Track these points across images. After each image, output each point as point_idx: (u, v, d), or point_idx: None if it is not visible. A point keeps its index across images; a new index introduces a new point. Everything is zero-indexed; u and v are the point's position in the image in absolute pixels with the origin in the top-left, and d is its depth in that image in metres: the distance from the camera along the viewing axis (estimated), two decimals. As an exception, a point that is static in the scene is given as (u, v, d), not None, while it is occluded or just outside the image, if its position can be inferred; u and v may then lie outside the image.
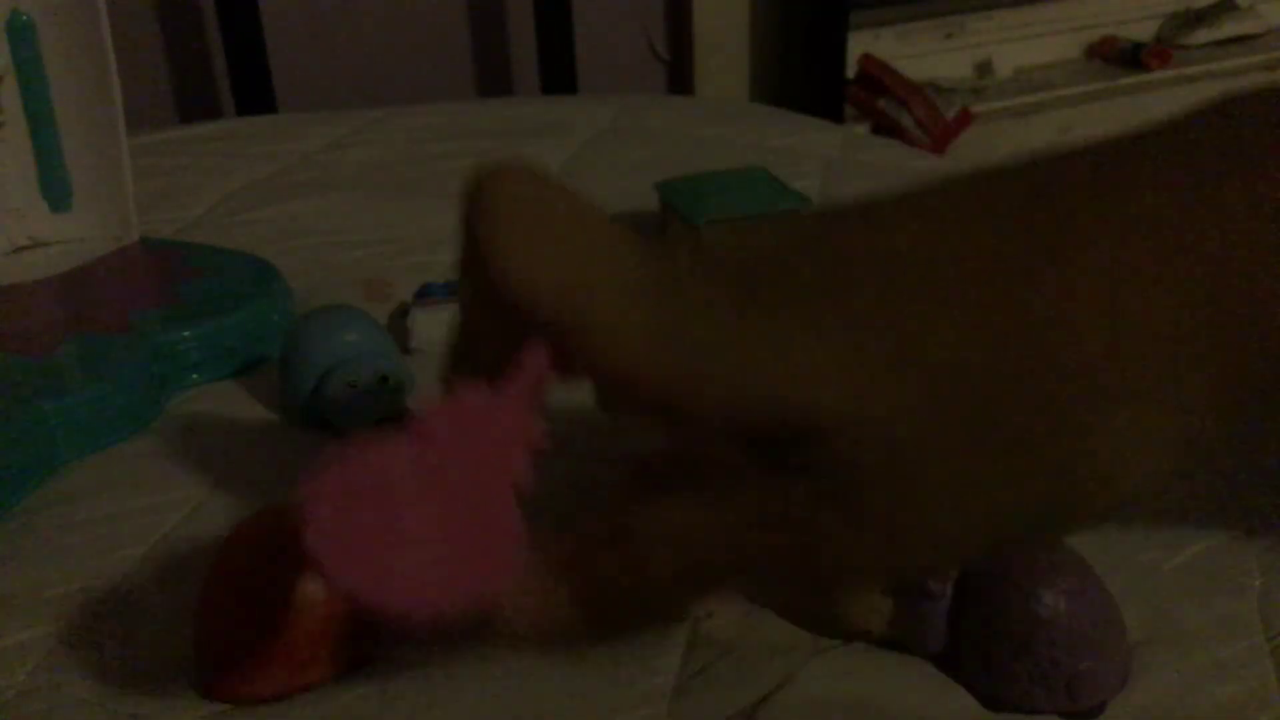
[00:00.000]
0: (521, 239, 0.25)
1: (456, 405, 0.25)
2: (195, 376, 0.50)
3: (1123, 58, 1.70)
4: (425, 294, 0.54)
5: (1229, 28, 1.75)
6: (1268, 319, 0.21)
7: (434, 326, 0.52)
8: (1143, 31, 1.79)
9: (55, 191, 0.59)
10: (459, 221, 0.26)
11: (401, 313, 0.55)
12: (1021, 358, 0.21)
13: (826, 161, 0.80)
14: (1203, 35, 1.74)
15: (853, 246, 0.23)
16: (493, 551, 0.24)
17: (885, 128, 1.53)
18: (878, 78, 1.57)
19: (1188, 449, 0.22)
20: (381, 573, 0.23)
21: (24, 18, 0.56)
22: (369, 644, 0.33)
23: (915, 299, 0.22)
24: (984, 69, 1.71)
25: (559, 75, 1.28)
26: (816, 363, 0.22)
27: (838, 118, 1.40)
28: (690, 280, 0.24)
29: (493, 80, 1.43)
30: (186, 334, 0.50)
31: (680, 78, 1.52)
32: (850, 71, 1.55)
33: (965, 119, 1.55)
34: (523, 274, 0.24)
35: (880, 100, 1.55)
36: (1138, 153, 0.22)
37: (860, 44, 1.60)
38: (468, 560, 0.24)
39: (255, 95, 1.17)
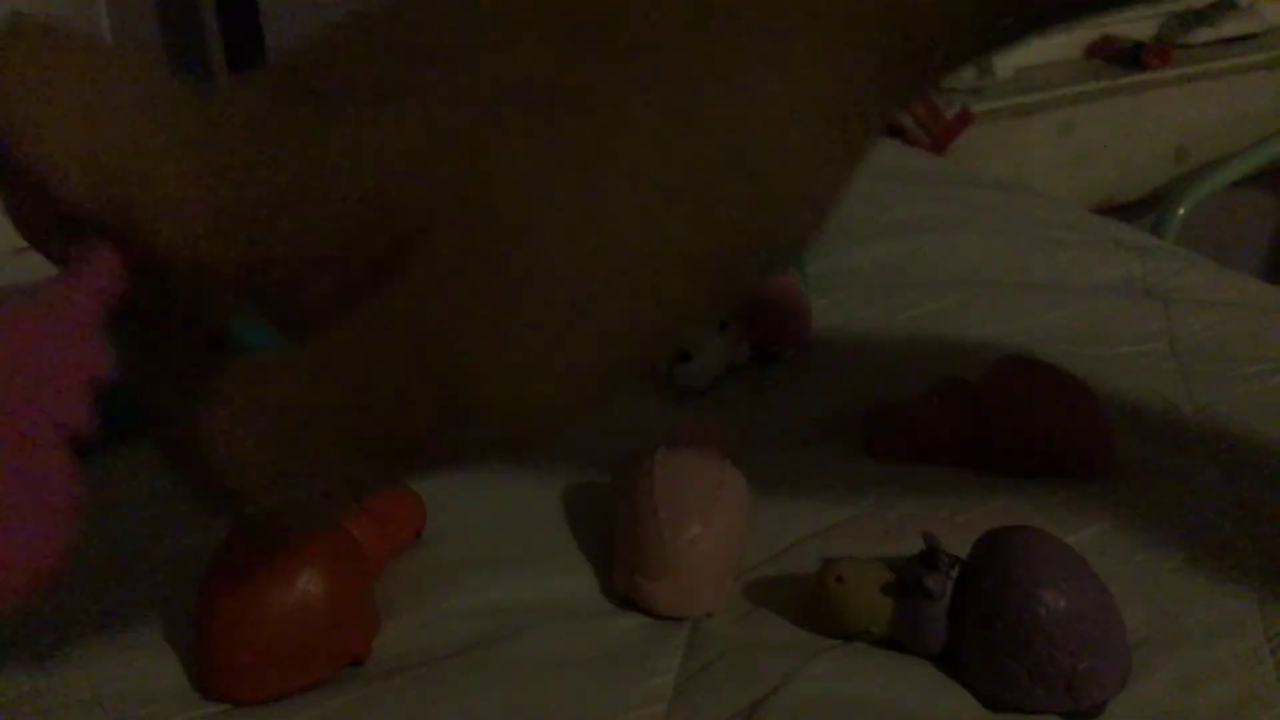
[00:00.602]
0: (40, 109, 0.21)
1: None
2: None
3: (1123, 57, 1.70)
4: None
5: (1229, 27, 1.75)
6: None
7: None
8: (1143, 31, 1.79)
9: (55, 191, 0.59)
10: None
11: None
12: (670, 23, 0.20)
13: (826, 161, 0.79)
14: (1203, 34, 1.73)
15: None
16: (38, 521, 0.19)
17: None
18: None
19: (848, 121, 0.22)
20: None
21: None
22: (367, 641, 0.33)
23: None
24: (984, 68, 1.71)
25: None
26: (398, 153, 0.20)
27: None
28: (240, 108, 0.21)
29: (493, 80, 1.43)
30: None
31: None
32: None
33: (965, 118, 1.55)
34: (44, 152, 0.21)
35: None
36: None
37: (860, 43, 1.59)
38: (6, 540, 0.19)
39: (255, 95, 1.17)
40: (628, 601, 0.35)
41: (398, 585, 0.36)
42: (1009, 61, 1.73)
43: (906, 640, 0.32)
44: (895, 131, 1.51)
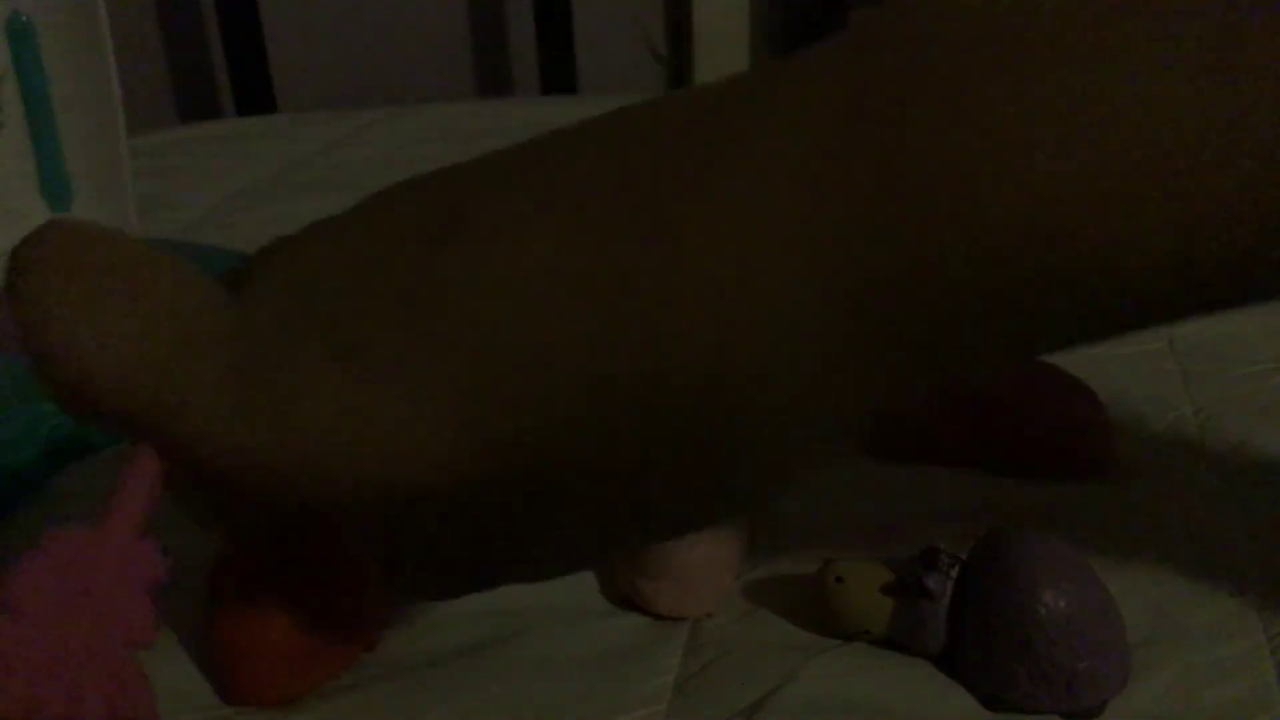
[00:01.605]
0: (70, 315, 0.21)
1: (44, 559, 0.20)
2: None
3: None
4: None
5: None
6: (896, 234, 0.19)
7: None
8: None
9: (55, 191, 0.59)
10: (10, 303, 0.22)
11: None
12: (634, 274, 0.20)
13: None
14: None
15: (447, 267, 0.21)
16: None
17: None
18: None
19: (825, 359, 0.21)
20: None
21: (24, 18, 0.56)
22: (372, 639, 0.33)
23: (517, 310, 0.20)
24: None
25: (559, 75, 1.28)
26: (394, 426, 0.21)
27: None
28: (258, 331, 0.21)
29: (493, 80, 1.43)
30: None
31: (680, 78, 1.52)
32: (850, 71, 1.55)
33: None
34: (80, 358, 0.21)
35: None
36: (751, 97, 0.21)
37: (860, 44, 1.59)
38: None
39: (255, 95, 1.17)
40: (628, 601, 0.35)
41: (398, 585, 0.36)
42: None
43: (906, 640, 0.32)
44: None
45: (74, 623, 0.20)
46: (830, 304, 0.20)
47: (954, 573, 0.32)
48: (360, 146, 0.84)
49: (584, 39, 1.33)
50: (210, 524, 0.26)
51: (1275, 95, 0.17)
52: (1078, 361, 0.43)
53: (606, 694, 0.32)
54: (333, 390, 0.21)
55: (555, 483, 0.22)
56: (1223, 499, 0.40)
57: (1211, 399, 0.46)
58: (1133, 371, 0.49)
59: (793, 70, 0.21)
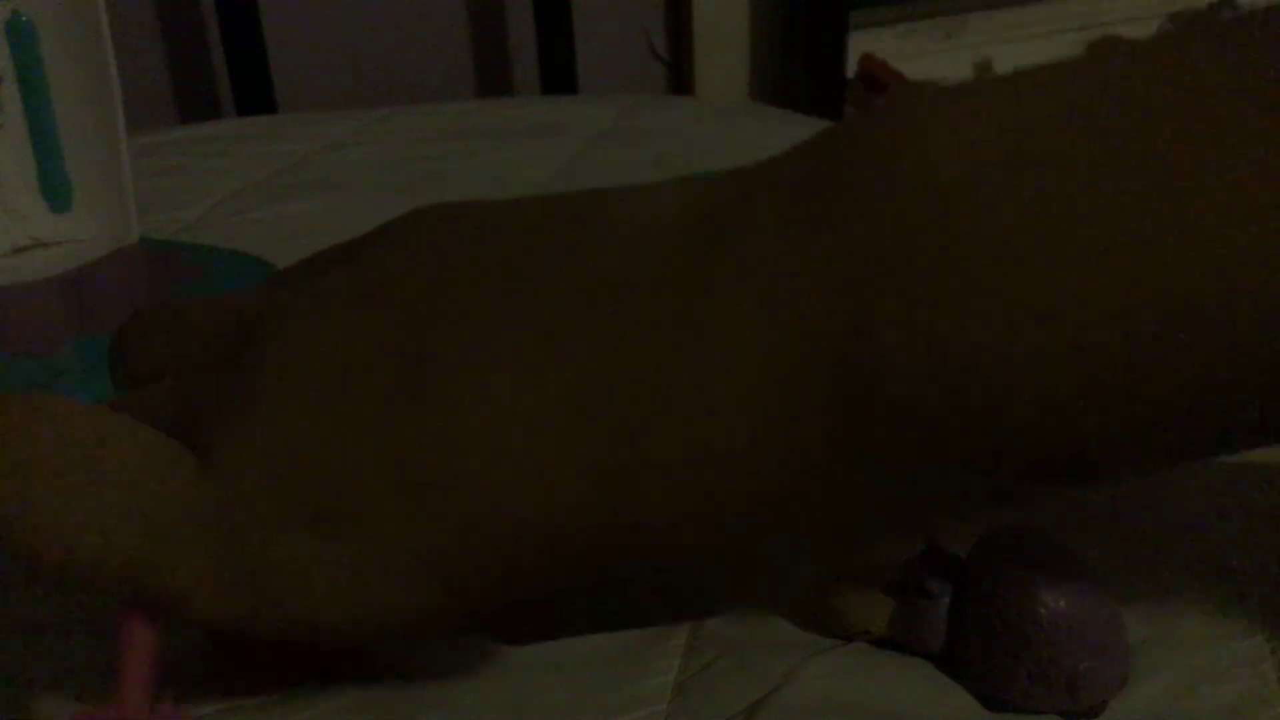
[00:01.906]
0: (46, 498, 0.20)
1: None
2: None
3: (1123, 57, 1.70)
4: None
5: (1229, 27, 1.75)
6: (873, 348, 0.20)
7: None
8: (1143, 31, 1.79)
9: (55, 192, 0.59)
10: None
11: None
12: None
13: (826, 161, 0.79)
14: (1203, 35, 1.73)
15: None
16: None
17: (885, 127, 1.53)
18: (878, 77, 1.57)
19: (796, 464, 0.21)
20: None
21: (24, 19, 0.56)
22: None
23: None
24: (984, 69, 1.71)
25: (559, 75, 1.28)
26: (373, 589, 0.22)
27: (838, 117, 1.40)
28: (233, 494, 0.22)
29: (493, 80, 1.43)
30: (186, 334, 0.50)
31: (680, 78, 1.52)
32: (850, 71, 1.55)
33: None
34: (60, 543, 0.21)
35: (880, 99, 1.55)
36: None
37: (860, 43, 1.60)
38: None
39: (255, 95, 1.17)
40: (628, 601, 0.35)
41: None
42: (1009, 61, 1.73)
43: (906, 640, 0.32)
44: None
45: None
46: (806, 446, 0.20)
47: (954, 573, 0.32)
48: (360, 146, 0.84)
49: (584, 39, 1.33)
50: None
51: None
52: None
53: (606, 694, 0.32)
54: (310, 557, 0.21)
55: (536, 617, 0.23)
56: (1223, 499, 0.40)
57: (1211, 399, 0.46)
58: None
59: (754, 216, 0.21)
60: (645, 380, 0.21)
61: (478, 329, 0.22)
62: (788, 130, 0.87)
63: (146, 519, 0.21)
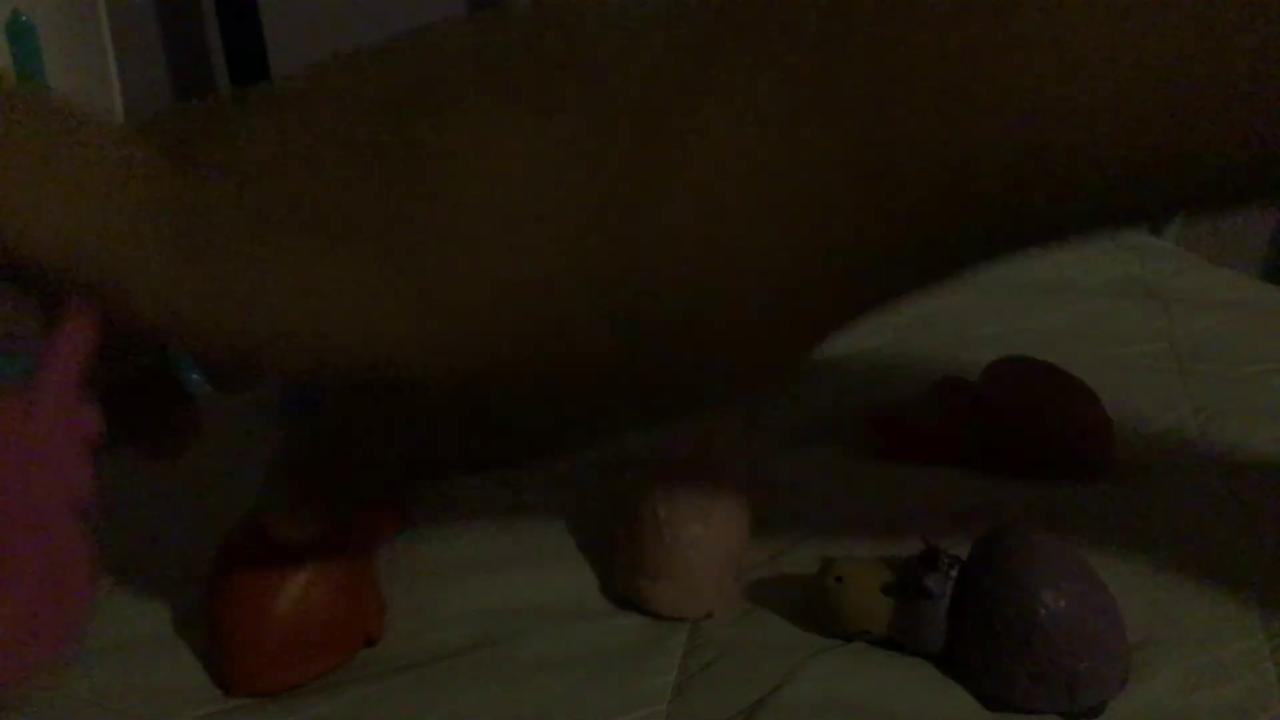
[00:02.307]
0: (9, 179, 0.20)
1: None
2: (195, 376, 0.50)
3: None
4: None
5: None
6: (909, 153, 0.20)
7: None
8: None
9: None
10: None
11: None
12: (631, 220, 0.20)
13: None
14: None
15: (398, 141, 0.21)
16: (58, 602, 0.19)
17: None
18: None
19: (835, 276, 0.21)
20: None
21: (24, 19, 0.56)
22: (379, 621, 0.33)
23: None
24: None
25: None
26: (357, 301, 0.21)
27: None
28: (212, 199, 0.21)
29: (493, 80, 1.43)
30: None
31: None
32: None
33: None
34: (18, 224, 0.20)
35: None
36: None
37: None
38: (18, 621, 0.18)
39: (255, 95, 1.17)
40: (628, 601, 0.35)
41: (397, 585, 0.36)
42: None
43: (906, 640, 0.32)
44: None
45: (4, 482, 0.19)
46: (820, 201, 0.20)
47: (954, 573, 0.32)
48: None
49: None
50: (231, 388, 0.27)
51: None
52: (1078, 361, 0.43)
53: (606, 694, 0.32)
54: (295, 260, 0.20)
55: (542, 371, 0.22)
56: (1223, 499, 0.40)
57: (1211, 399, 0.46)
58: (1133, 371, 0.49)
59: None
60: (653, 136, 0.20)
61: (480, 86, 0.21)
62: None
63: (110, 207, 0.21)
